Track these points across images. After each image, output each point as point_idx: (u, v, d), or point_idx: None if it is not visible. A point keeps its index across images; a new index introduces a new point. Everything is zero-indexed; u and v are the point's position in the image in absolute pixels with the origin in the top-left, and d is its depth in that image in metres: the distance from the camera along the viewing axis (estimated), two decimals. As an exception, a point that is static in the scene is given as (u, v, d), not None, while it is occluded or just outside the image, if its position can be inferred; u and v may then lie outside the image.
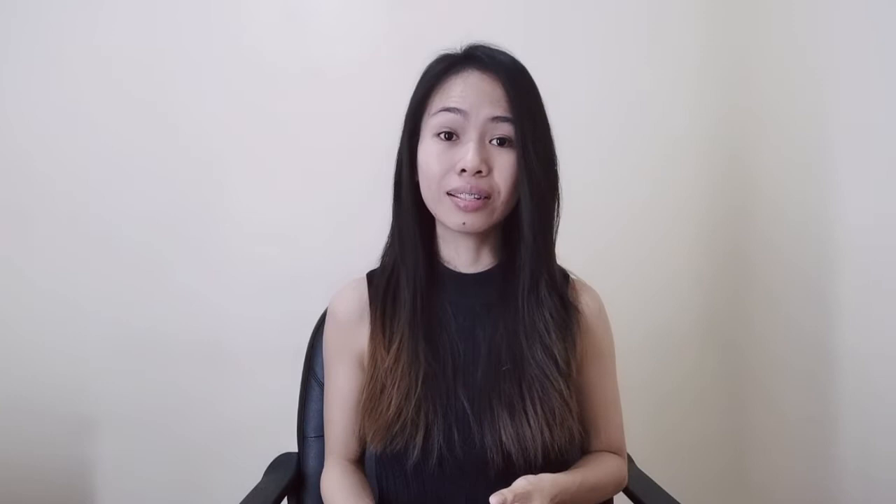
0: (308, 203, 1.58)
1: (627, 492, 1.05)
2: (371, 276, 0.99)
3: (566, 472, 0.88)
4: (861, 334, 1.29)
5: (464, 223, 0.88)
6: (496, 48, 0.92)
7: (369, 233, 1.00)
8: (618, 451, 1.00)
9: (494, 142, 0.89)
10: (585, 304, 0.97)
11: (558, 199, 0.94)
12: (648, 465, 1.15)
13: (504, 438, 0.86)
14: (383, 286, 0.95)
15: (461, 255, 0.95)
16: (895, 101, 1.20)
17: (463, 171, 0.86)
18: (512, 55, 0.92)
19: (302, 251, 1.57)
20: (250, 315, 1.58)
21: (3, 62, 1.54)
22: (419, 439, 0.86)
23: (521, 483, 0.79)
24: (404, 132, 0.94)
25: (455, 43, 0.93)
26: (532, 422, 0.86)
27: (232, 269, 1.58)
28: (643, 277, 1.64)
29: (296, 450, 1.18)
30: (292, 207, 1.58)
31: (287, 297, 1.54)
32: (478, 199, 0.87)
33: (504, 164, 0.88)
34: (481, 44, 0.92)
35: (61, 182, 1.55)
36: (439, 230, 0.96)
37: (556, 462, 0.88)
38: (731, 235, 1.65)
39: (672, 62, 1.62)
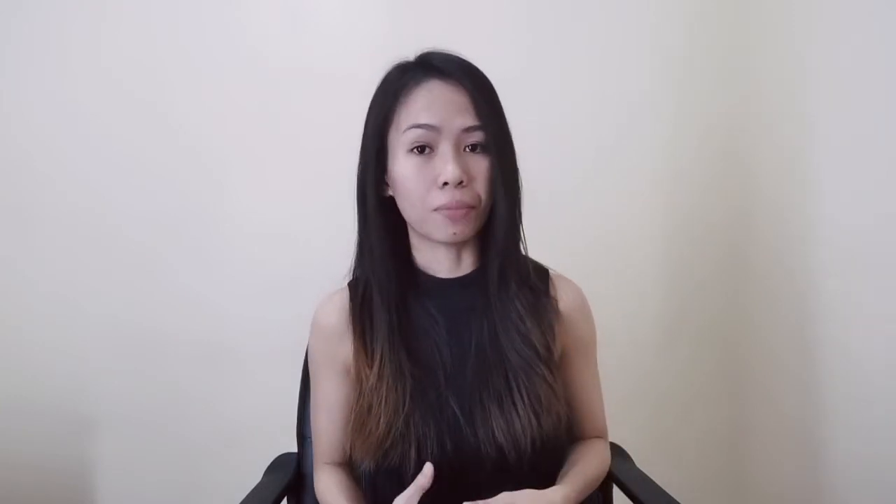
0: (308, 203, 1.57)
1: (627, 491, 1.06)
2: (351, 287, 0.99)
3: (569, 478, 0.91)
4: (860, 334, 1.30)
5: (454, 233, 0.89)
6: (451, 53, 0.92)
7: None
8: (602, 433, 1.05)
9: (467, 149, 0.89)
10: (564, 296, 0.98)
11: (521, 195, 0.95)
12: (648, 465, 1.15)
13: (496, 432, 0.87)
14: (359, 301, 0.95)
15: (442, 262, 0.96)
16: (893, 101, 1.20)
17: (445, 184, 0.87)
18: (466, 59, 0.92)
19: (302, 251, 1.57)
20: (250, 315, 1.58)
21: (3, 62, 1.54)
22: (413, 454, 0.86)
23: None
24: (368, 148, 0.93)
25: (415, 50, 0.93)
26: (521, 410, 0.87)
27: (232, 269, 1.58)
28: (641, 276, 1.64)
29: (296, 450, 1.18)
30: (292, 208, 1.58)
31: (287, 298, 1.54)
32: (463, 207, 0.88)
33: (482, 171, 0.89)
34: (435, 50, 0.92)
35: (61, 182, 1.55)
36: (416, 241, 0.96)
37: (544, 450, 0.89)
38: (729, 235, 1.65)
39: (670, 63, 1.62)
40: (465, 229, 0.89)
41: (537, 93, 1.51)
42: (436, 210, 0.88)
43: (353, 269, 0.99)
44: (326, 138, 1.55)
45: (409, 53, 0.94)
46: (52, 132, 1.55)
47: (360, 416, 0.91)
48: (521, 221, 0.95)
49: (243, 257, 1.58)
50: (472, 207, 0.88)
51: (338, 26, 1.57)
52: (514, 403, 0.88)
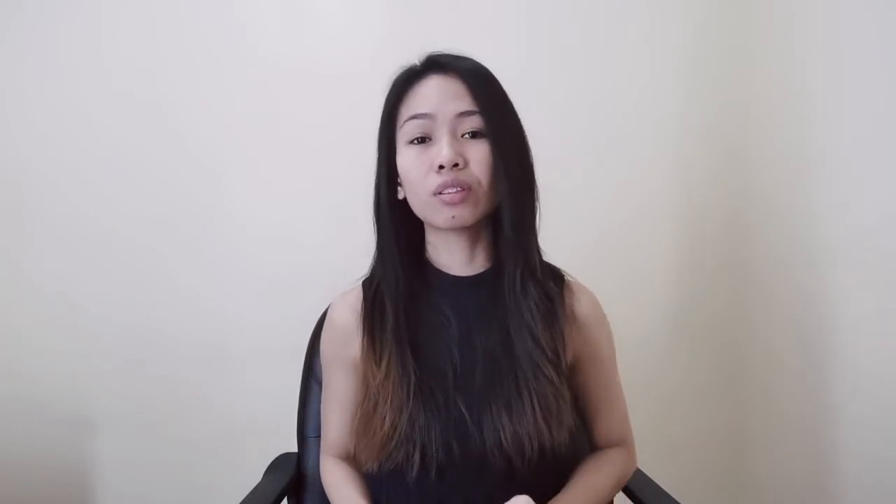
0: (309, 204, 1.57)
1: (627, 492, 1.06)
2: (364, 286, 0.99)
3: (571, 491, 0.91)
4: (860, 334, 1.30)
5: (453, 216, 0.89)
6: (456, 53, 0.94)
7: (370, 234, 0.99)
8: (620, 441, 1.02)
9: (467, 136, 0.90)
10: (581, 305, 0.97)
11: (536, 192, 0.95)
12: (648, 465, 1.15)
13: (503, 438, 0.86)
14: (371, 299, 0.96)
15: (455, 257, 0.96)
16: (894, 100, 1.20)
17: (441, 167, 0.87)
18: (473, 59, 0.93)
19: (302, 252, 1.57)
20: (251, 316, 1.58)
21: (3, 63, 1.54)
22: (417, 457, 0.86)
23: None
24: (380, 149, 0.95)
25: (421, 54, 0.94)
26: (529, 417, 0.87)
27: (232, 270, 1.58)
28: (642, 276, 1.64)
29: (296, 450, 1.18)
30: (293, 209, 1.58)
31: (287, 299, 1.54)
32: (460, 190, 0.88)
33: (479, 155, 0.89)
34: (441, 52, 0.94)
35: (62, 183, 1.55)
36: (430, 237, 0.97)
37: (553, 457, 0.89)
38: (730, 235, 1.65)
39: (670, 62, 1.62)
40: (462, 212, 0.89)
41: (537, 93, 1.51)
42: (435, 195, 0.88)
43: (371, 266, 1.00)
44: (328, 139, 1.56)
45: (411, 54, 0.95)
46: (52, 132, 1.54)
47: (364, 417, 0.91)
48: (532, 216, 0.94)
49: (243, 258, 1.58)
50: (469, 189, 0.88)
51: (338, 27, 1.57)
52: (523, 408, 0.87)
